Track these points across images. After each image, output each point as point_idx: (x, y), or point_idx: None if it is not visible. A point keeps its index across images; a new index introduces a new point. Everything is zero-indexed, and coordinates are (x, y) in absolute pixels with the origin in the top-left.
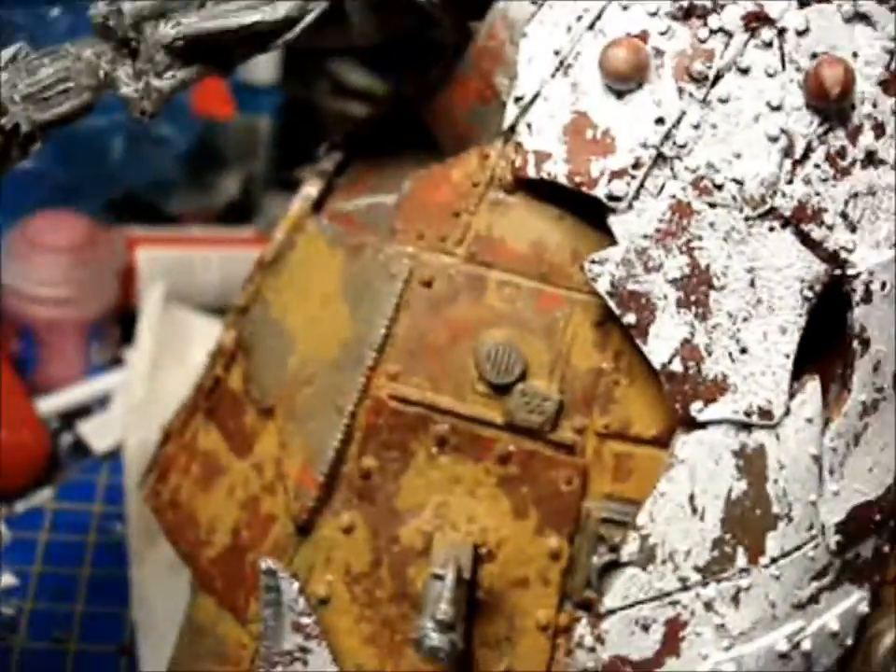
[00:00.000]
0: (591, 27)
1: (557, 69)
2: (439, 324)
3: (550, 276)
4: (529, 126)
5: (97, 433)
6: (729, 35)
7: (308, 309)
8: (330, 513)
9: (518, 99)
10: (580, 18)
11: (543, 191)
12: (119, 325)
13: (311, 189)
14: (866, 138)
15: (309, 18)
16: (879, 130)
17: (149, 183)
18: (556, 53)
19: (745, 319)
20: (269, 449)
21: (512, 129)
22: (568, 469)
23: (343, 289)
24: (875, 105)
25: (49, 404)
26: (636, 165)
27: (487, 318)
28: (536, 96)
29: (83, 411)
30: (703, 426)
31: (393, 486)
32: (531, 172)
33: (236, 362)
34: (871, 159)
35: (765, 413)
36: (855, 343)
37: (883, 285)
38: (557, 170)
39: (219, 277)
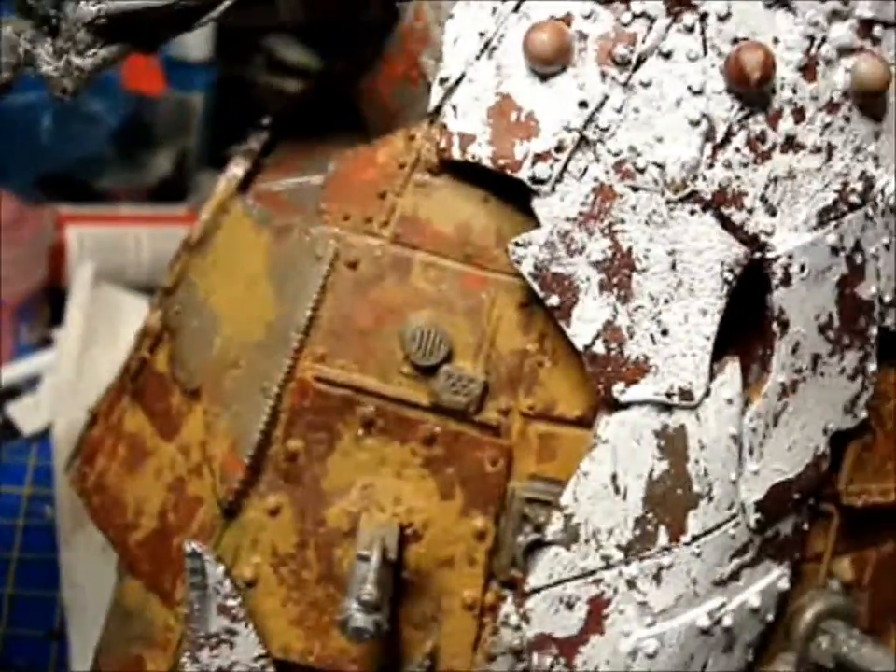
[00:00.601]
0: (515, 9)
1: (482, 51)
2: (364, 306)
3: (475, 258)
4: (454, 108)
5: (26, 414)
6: (651, 19)
7: (233, 290)
8: (257, 496)
9: (443, 80)
10: (504, 0)
11: (468, 173)
12: (48, 304)
13: (236, 169)
14: (786, 123)
15: None
16: (799, 115)
17: (80, 160)
18: (481, 35)
19: (666, 301)
20: (195, 431)
21: (438, 110)
22: (494, 450)
23: (268, 271)
24: (794, 91)
25: None
26: (559, 148)
27: (412, 300)
28: (461, 78)
29: (12, 392)
30: (625, 406)
31: (319, 468)
32: (456, 154)
33: (162, 344)
34: (790, 143)
35: (686, 394)
36: (774, 326)
37: (802, 267)
38: (481, 152)
39: (151, 256)
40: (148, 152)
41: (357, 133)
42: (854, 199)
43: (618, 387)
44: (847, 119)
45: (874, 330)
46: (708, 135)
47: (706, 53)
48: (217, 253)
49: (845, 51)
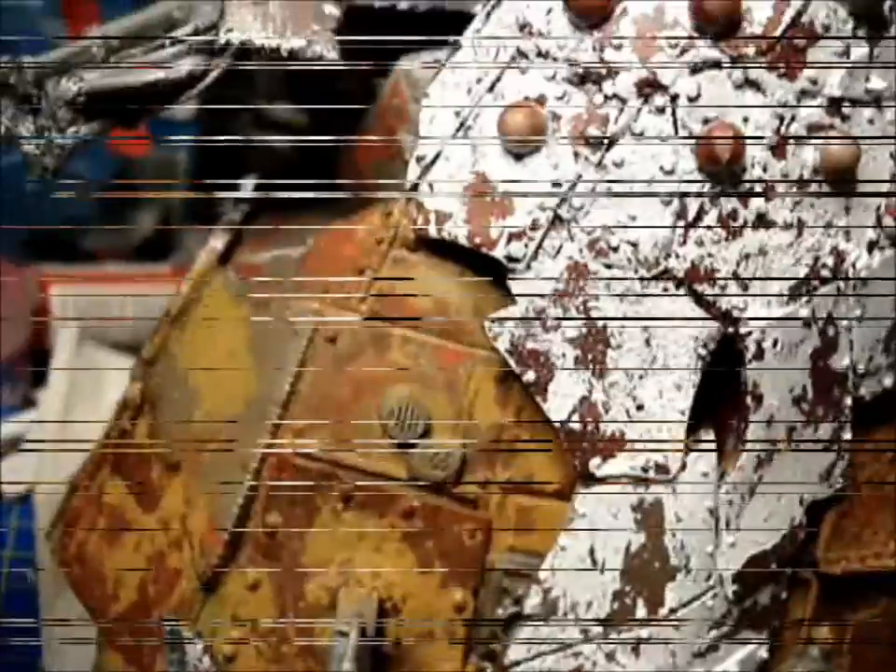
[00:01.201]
0: (490, 89)
1: (458, 129)
2: (343, 381)
3: (452, 333)
4: (431, 186)
5: (8, 476)
6: (623, 100)
7: (213, 364)
8: (236, 571)
9: (420, 159)
10: (479, 80)
11: (445, 248)
12: (31, 365)
13: (216, 242)
14: (757, 200)
15: (211, 76)
16: (769, 192)
17: (64, 220)
18: (457, 115)
19: (641, 377)
20: (175, 505)
21: (415, 188)
22: (472, 523)
23: (248, 345)
24: (765, 169)
25: None
26: (533, 227)
27: (391, 375)
28: (437, 156)
29: None
30: (602, 480)
31: (298, 543)
32: (432, 232)
33: (143, 415)
34: (762, 220)
35: (662, 469)
36: (748, 400)
37: (775, 341)
38: (458, 231)
39: (135, 315)
40: (132, 211)
41: (337, 205)
42: (825, 273)
43: (594, 462)
44: (818, 196)
45: (848, 401)
46: (680, 214)
47: (676, 133)
48: (197, 326)
49: (814, 129)
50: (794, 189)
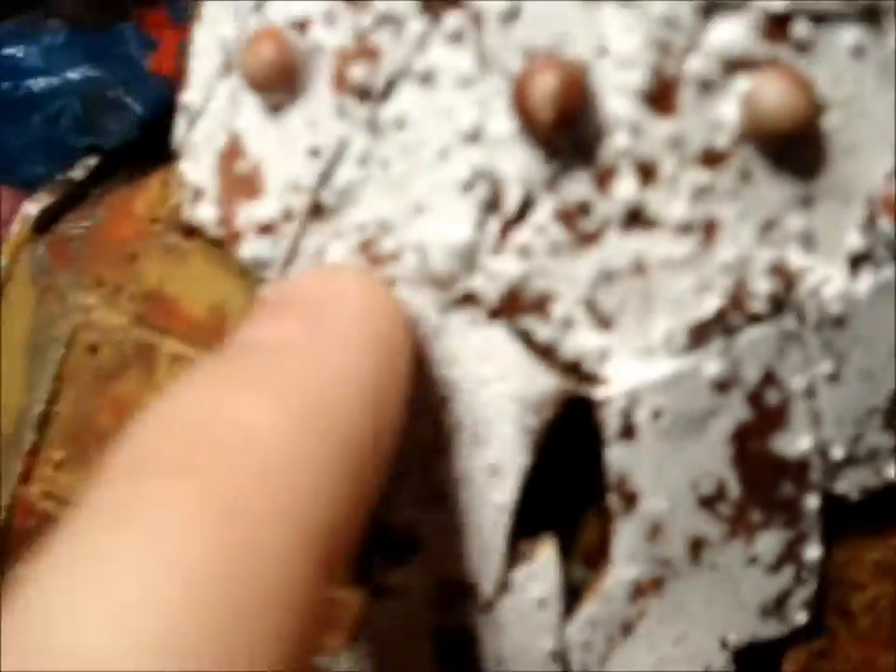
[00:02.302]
0: (257, 9)
1: (223, 68)
2: (106, 403)
3: None
4: (193, 148)
5: None
6: (399, 22)
7: (5, 363)
8: None
9: (185, 109)
10: None
11: None
12: None
13: (31, 206)
14: (625, 186)
15: None
16: (646, 173)
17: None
18: (223, 45)
19: (439, 451)
20: None
21: (180, 150)
22: None
23: (26, 344)
24: (635, 133)
25: None
26: (286, 216)
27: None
28: (204, 104)
29: None
30: (392, 592)
31: None
32: (186, 213)
33: None
34: (635, 218)
35: (469, 591)
36: (613, 499)
37: (656, 413)
38: (207, 214)
39: None
40: None
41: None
42: (757, 306)
43: (380, 565)
44: (745, 178)
45: (812, 502)
46: (492, 205)
47: (484, 75)
48: (6, 311)
49: (735, 66)
50: (695, 168)
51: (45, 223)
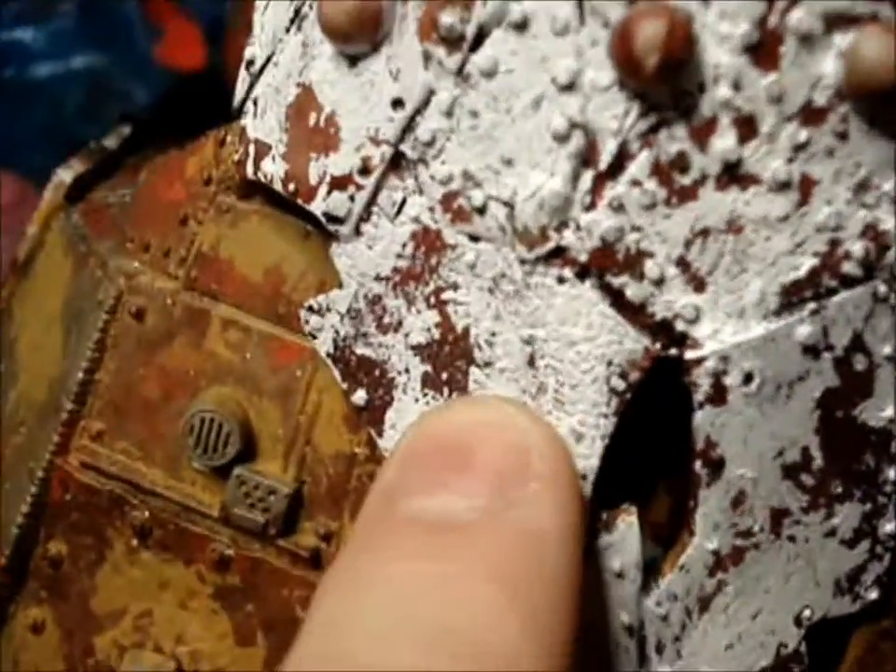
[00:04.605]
0: None
1: (293, 21)
2: (151, 372)
3: (289, 318)
4: (255, 103)
5: None
6: None
7: (35, 331)
8: (22, 604)
9: (249, 64)
10: None
11: (284, 196)
12: None
13: (65, 174)
14: (723, 140)
15: None
16: (746, 127)
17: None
18: None
19: None
20: None
21: (242, 106)
22: (305, 589)
23: (62, 312)
24: (737, 87)
25: None
26: (364, 170)
27: (207, 370)
28: (268, 60)
29: None
30: None
31: (88, 582)
32: (249, 170)
33: None
34: (732, 174)
35: None
36: (698, 465)
37: (748, 376)
38: (274, 170)
39: None
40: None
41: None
42: (850, 269)
43: None
44: (842, 137)
45: (891, 474)
46: (586, 158)
47: (583, 23)
48: (35, 280)
49: (837, 21)
50: (794, 124)
51: (77, 191)
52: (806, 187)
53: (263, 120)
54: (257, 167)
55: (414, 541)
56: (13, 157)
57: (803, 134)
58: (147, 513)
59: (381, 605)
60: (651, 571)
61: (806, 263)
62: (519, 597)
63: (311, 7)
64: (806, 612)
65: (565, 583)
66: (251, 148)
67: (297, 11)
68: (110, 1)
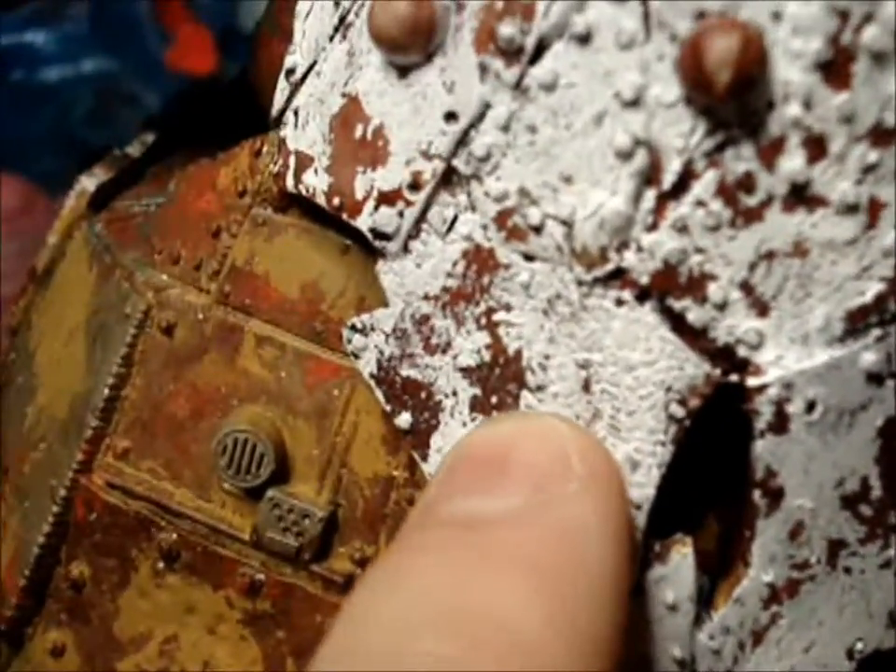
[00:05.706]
0: None
1: (336, 29)
2: (180, 389)
3: (326, 336)
4: (296, 114)
5: None
6: None
7: (56, 344)
8: (41, 627)
9: (289, 73)
10: None
11: (324, 210)
12: None
13: (88, 182)
14: (791, 160)
15: None
16: (815, 148)
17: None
18: (337, 5)
19: None
20: None
21: (281, 117)
22: None
23: (85, 324)
24: (808, 105)
25: None
26: (414, 185)
27: (239, 388)
28: (310, 69)
29: None
30: None
31: (111, 605)
32: (289, 183)
33: None
34: (799, 196)
35: None
36: (757, 495)
37: (810, 405)
38: (317, 183)
39: None
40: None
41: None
42: None
43: None
44: None
45: None
46: (649, 177)
47: (649, 36)
48: (55, 291)
49: None
50: (864, 145)
51: (99, 200)
52: (875, 209)
53: (305, 131)
54: (298, 180)
55: (446, 537)
56: (21, 160)
57: (872, 156)
58: (174, 535)
59: (406, 596)
60: (699, 602)
61: (873, 288)
62: (548, 588)
63: (357, 16)
64: (859, 645)
65: (600, 583)
66: (291, 160)
67: (341, 19)
68: (121, 5)
